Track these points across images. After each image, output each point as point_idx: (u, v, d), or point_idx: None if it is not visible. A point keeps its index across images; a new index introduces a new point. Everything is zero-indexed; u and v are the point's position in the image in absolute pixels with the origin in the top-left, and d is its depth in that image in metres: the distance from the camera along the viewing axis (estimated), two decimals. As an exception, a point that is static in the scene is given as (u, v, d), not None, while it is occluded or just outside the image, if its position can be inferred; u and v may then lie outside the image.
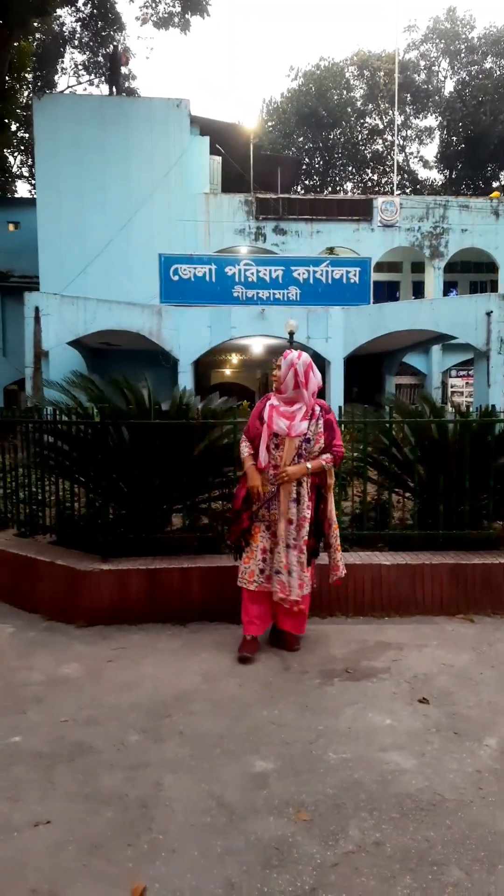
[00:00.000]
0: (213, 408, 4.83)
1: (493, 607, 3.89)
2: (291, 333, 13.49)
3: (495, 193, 22.46)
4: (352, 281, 15.65)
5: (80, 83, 31.72)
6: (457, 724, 2.61)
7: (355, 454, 4.78)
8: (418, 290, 22.85)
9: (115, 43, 24.56)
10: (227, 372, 23.29)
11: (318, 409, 3.33)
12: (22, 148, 28.71)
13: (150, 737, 2.54)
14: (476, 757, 2.38)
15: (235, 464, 4.29)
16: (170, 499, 4.44)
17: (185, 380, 14.13)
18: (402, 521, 4.61)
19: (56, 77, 26.29)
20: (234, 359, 20.72)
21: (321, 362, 15.28)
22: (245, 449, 3.42)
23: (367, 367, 18.15)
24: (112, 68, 21.82)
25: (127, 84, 25.03)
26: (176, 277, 15.42)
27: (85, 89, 28.43)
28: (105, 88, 24.70)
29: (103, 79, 25.83)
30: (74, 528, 4.50)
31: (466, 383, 19.77)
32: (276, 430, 3.27)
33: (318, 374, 3.41)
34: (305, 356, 3.36)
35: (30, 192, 31.67)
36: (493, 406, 4.78)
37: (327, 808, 2.09)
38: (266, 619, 3.41)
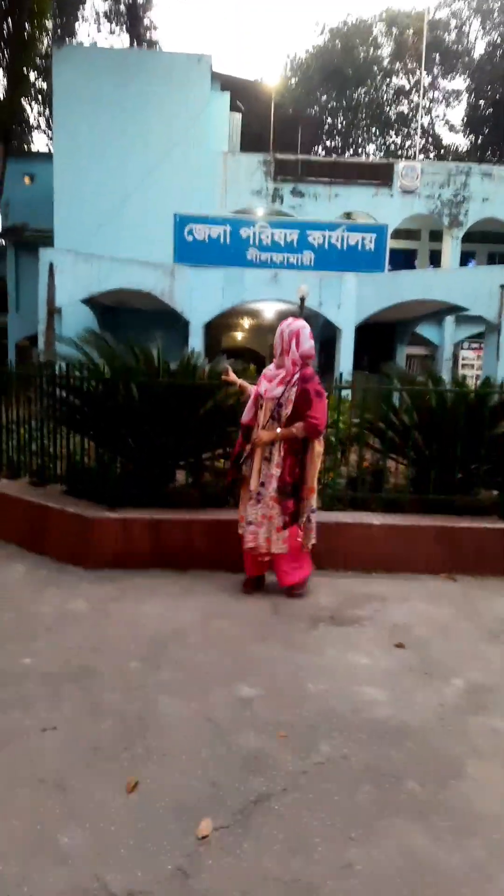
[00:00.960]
0: (220, 370, 5.01)
1: (476, 568, 4.11)
2: (303, 299, 13.50)
3: None
4: (367, 248, 15.52)
5: (100, 31, 30.87)
6: (428, 666, 2.86)
7: (355, 420, 4.97)
8: (435, 259, 22.55)
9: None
10: (239, 336, 23.27)
11: (297, 376, 3.46)
12: (39, 98, 28.18)
13: (149, 664, 2.80)
14: (442, 694, 2.62)
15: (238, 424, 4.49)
16: (175, 455, 4.65)
17: (196, 342, 14.23)
18: (396, 486, 4.81)
19: (77, 24, 25.64)
20: (246, 323, 20.70)
21: (332, 330, 15.30)
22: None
23: (379, 336, 18.11)
24: (132, 17, 21.26)
25: (147, 35, 24.40)
26: (190, 238, 15.36)
27: (105, 38, 27.77)
28: (126, 39, 24.11)
29: (124, 28, 25.18)
30: (84, 480, 4.74)
31: (478, 356, 19.69)
32: (259, 390, 3.55)
33: (309, 343, 3.53)
34: (297, 323, 3.53)
35: (47, 144, 31.20)
36: (488, 378, 4.91)
37: (303, 729, 2.34)
38: (260, 565, 3.67)
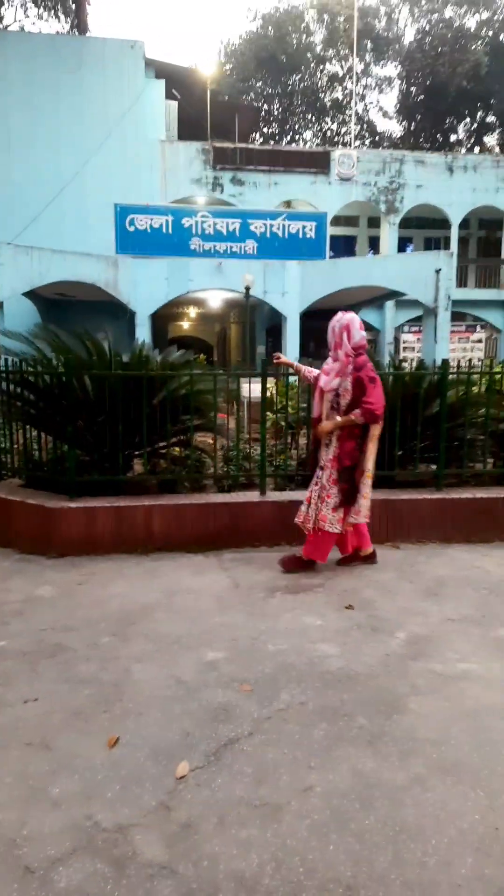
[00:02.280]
0: (172, 360, 5.19)
1: (417, 536, 4.47)
2: (248, 288, 13.71)
3: None
4: (308, 235, 15.83)
5: (27, 17, 29.91)
6: (375, 623, 3.17)
7: (303, 405, 5.25)
8: (374, 245, 23.12)
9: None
10: (186, 325, 23.31)
11: (350, 366, 3.67)
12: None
13: (119, 639, 3.00)
14: (387, 645, 2.93)
15: (193, 413, 4.69)
16: (131, 445, 4.82)
17: (143, 332, 14.25)
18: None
19: (2, 9, 24.80)
20: (192, 312, 20.78)
21: (278, 317, 15.58)
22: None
23: (324, 322, 18.51)
24: (62, 2, 20.74)
25: (79, 20, 23.82)
26: (132, 228, 15.30)
27: (34, 24, 26.93)
28: (55, 24, 23.49)
29: (52, 13, 24.53)
30: (42, 472, 4.85)
31: (417, 339, 20.38)
32: (320, 385, 3.81)
33: (360, 334, 3.73)
34: (347, 317, 3.74)
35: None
36: (422, 361, 5.27)
37: (265, 682, 2.60)
38: (346, 541, 3.97)
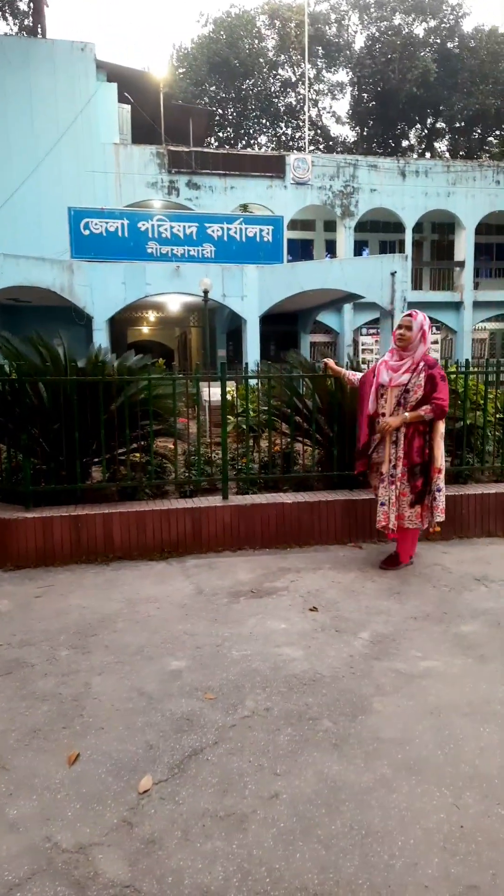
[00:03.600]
0: (129, 365, 5.11)
1: (379, 535, 4.50)
2: (206, 291, 13.67)
3: None
4: (265, 239, 15.90)
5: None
6: (339, 624, 3.17)
7: (263, 408, 5.24)
8: (331, 249, 23.38)
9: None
10: (145, 330, 23.10)
11: (422, 364, 3.74)
12: None
13: (79, 651, 2.92)
14: (351, 646, 2.93)
15: (152, 418, 4.63)
16: (89, 452, 4.72)
17: (101, 337, 14.06)
18: (304, 467, 5.14)
19: None
20: (152, 316, 20.61)
21: (238, 320, 15.58)
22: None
23: (284, 325, 18.62)
24: (10, 3, 20.36)
25: (28, 22, 23.44)
26: (87, 232, 15.09)
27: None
28: (3, 26, 23.04)
29: (1, 15, 24.04)
30: (-4, 482, 4.70)
31: (375, 341, 20.68)
32: (381, 381, 3.84)
33: (431, 335, 3.95)
34: (422, 316, 3.84)
35: None
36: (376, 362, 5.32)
37: (230, 689, 2.57)
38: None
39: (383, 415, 3.83)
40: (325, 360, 4.61)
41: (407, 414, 3.72)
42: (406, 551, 3.99)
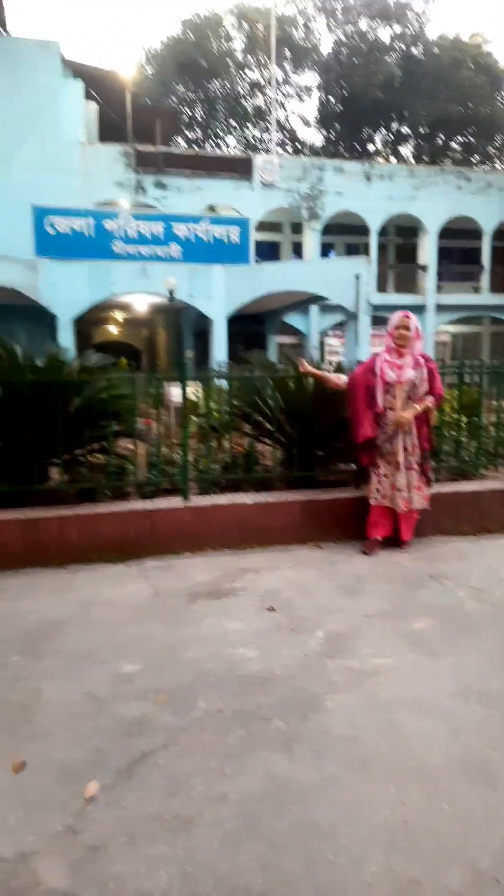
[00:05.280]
0: (89, 365, 5.05)
1: (337, 535, 4.53)
2: (171, 291, 13.61)
3: None
4: (232, 240, 15.90)
5: None
6: (294, 623, 3.17)
7: (226, 408, 5.23)
8: (298, 251, 23.48)
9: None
10: (114, 330, 22.87)
11: (422, 359, 4.12)
12: None
13: (30, 656, 2.87)
14: (306, 645, 2.94)
15: (111, 418, 4.58)
16: (47, 453, 4.64)
17: (66, 337, 13.88)
18: (266, 467, 5.15)
19: None
20: (119, 317, 20.42)
21: (205, 321, 15.54)
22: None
23: (251, 326, 18.64)
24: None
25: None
26: (52, 230, 14.88)
27: None
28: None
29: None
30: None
31: (341, 343, 20.85)
32: (387, 379, 4.09)
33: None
34: (415, 316, 4.21)
35: None
36: (340, 364, 5.38)
37: (182, 691, 2.55)
38: (385, 527, 4.29)
39: (391, 410, 4.11)
40: (301, 360, 4.64)
41: (418, 406, 4.10)
42: (411, 528, 4.35)
